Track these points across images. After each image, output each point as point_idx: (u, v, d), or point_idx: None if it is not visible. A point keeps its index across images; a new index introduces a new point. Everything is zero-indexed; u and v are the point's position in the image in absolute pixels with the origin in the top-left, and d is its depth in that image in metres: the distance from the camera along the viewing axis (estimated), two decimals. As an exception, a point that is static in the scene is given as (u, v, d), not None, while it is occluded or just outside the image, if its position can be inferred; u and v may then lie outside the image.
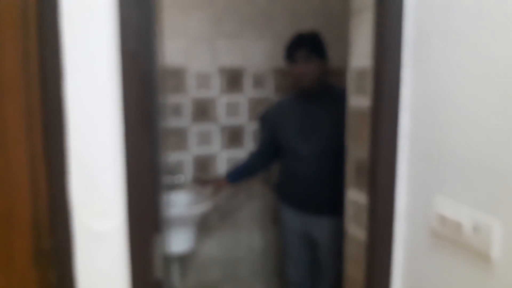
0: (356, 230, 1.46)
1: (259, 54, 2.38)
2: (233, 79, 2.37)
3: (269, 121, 2.15)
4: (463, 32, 0.98)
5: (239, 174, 2.16)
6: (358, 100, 1.40)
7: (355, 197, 1.46)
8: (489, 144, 0.92)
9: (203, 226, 2.43)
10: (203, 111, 2.34)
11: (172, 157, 2.33)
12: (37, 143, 0.94)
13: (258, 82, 2.41)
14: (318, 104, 1.99)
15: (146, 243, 1.05)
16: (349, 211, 1.51)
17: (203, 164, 2.39)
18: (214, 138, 2.39)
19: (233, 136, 2.42)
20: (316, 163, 1.97)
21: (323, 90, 1.99)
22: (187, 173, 2.37)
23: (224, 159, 2.42)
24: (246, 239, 2.55)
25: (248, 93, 2.40)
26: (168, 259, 2.20)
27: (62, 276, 1.00)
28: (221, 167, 2.42)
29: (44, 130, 0.94)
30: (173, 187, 2.21)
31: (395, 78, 1.18)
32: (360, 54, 1.38)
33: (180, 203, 2.21)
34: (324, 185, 1.95)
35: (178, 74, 2.27)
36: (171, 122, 2.30)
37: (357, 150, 1.43)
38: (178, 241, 2.05)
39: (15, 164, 0.93)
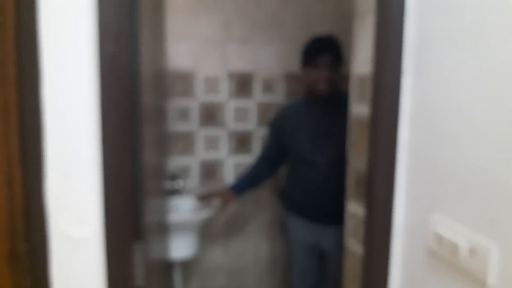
0: (354, 245, 1.39)
1: (269, 59, 2.33)
2: (242, 84, 2.33)
3: (276, 126, 2.06)
4: (466, 40, 0.90)
5: (245, 184, 2.07)
6: (359, 108, 1.34)
7: (355, 210, 1.38)
8: (490, 161, 0.84)
9: (208, 233, 2.40)
10: (211, 115, 2.31)
11: (178, 161, 2.31)
12: (13, 146, 0.92)
13: (268, 87, 2.36)
14: (330, 110, 1.92)
15: (124, 250, 1.02)
16: (349, 224, 1.43)
17: (209, 169, 2.36)
18: (221, 143, 2.35)
19: (241, 142, 2.38)
20: (328, 171, 1.90)
21: (335, 96, 1.92)
22: (194, 178, 2.34)
23: (231, 165, 2.38)
24: (253, 248, 2.50)
25: (258, 98, 2.36)
26: (171, 265, 2.18)
27: (36, 280, 0.98)
28: (228, 173, 2.38)
29: (20, 133, 0.93)
30: (178, 192, 2.19)
31: (395, 86, 1.11)
32: (362, 60, 1.32)
33: (184, 208, 2.18)
34: (336, 194, 1.86)
35: (186, 78, 2.25)
36: (179, 126, 2.28)
37: (357, 160, 1.36)
38: (181, 247, 2.02)
39: (-10, 166, 0.92)
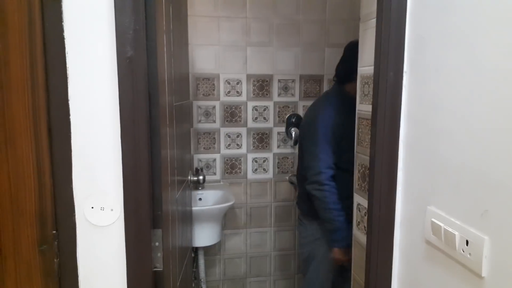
0: (360, 235, 1.36)
1: (286, 62, 2.31)
2: (261, 85, 2.32)
3: (337, 129, 1.64)
4: (460, 41, 0.86)
5: (343, 225, 1.65)
6: (364, 107, 1.30)
7: (361, 202, 1.35)
8: (483, 156, 0.80)
9: (231, 223, 2.41)
10: (232, 114, 2.32)
11: (203, 156, 2.33)
12: (43, 140, 0.95)
13: (285, 88, 2.34)
14: None
15: (143, 236, 1.03)
16: (356, 216, 1.40)
17: (231, 164, 2.36)
18: (242, 140, 2.35)
19: (260, 139, 2.37)
20: None
21: None
22: (217, 172, 2.35)
23: (251, 160, 2.38)
24: (271, 237, 2.49)
25: (275, 98, 2.34)
26: (195, 252, 2.20)
27: (64, 264, 1.00)
28: (248, 167, 2.38)
29: (49, 129, 0.95)
30: (202, 184, 2.20)
31: (397, 85, 1.08)
32: (366, 60, 1.28)
33: (208, 200, 2.20)
34: None
35: (210, 80, 2.27)
36: (203, 125, 2.30)
37: (362, 155, 1.33)
38: (205, 235, 2.04)
39: (23, 159, 0.95)
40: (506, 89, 0.73)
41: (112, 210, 1.01)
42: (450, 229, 0.88)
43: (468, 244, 0.83)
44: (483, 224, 0.79)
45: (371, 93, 1.25)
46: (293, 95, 2.35)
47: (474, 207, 0.81)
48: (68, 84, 0.94)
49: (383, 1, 1.06)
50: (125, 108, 0.97)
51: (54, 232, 0.99)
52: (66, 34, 0.93)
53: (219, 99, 2.29)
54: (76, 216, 0.99)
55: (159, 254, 1.11)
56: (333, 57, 2.34)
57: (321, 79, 2.36)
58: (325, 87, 2.37)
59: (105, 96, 0.96)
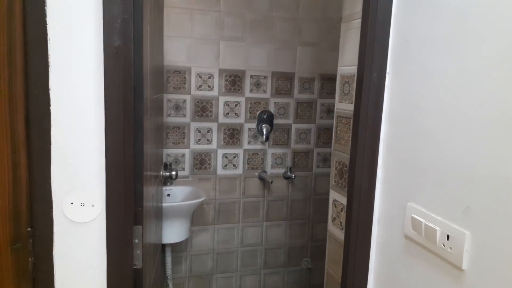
0: (336, 230, 1.40)
1: (259, 58, 2.32)
2: (233, 80, 2.31)
3: None
4: (446, 43, 0.91)
5: None
6: (343, 105, 1.34)
7: (337, 198, 1.39)
8: (466, 155, 0.85)
9: (199, 219, 2.38)
10: (203, 109, 2.29)
11: (172, 151, 2.28)
12: (19, 132, 0.89)
13: (257, 84, 2.35)
14: None
15: (125, 233, 1.00)
16: (331, 212, 1.44)
17: (200, 159, 2.34)
18: (212, 135, 2.33)
19: (231, 134, 2.36)
20: None
21: None
22: (185, 168, 2.32)
23: (221, 156, 2.37)
24: (239, 233, 2.50)
25: (247, 94, 2.34)
26: (162, 249, 2.16)
27: (39, 263, 0.95)
28: (218, 163, 2.37)
29: (26, 120, 0.89)
30: (171, 180, 2.16)
31: (380, 85, 1.11)
32: (347, 60, 1.32)
33: (177, 196, 2.16)
34: None
35: (181, 73, 2.22)
36: (173, 119, 2.25)
37: (340, 152, 1.37)
38: (173, 232, 2.00)
39: (-4, 151, 0.88)
40: (491, 92, 0.78)
41: (93, 206, 0.96)
42: (431, 225, 0.93)
43: (449, 239, 0.88)
44: (465, 219, 0.84)
45: (351, 92, 1.29)
46: (265, 91, 2.37)
47: (455, 204, 0.87)
48: (50, 73, 0.89)
49: (369, 3, 1.10)
50: (110, 100, 0.93)
51: (29, 229, 0.93)
52: (49, 19, 0.87)
53: (190, 93, 2.26)
54: (54, 213, 0.94)
55: (138, 252, 1.08)
56: (304, 56, 2.39)
57: (293, 77, 2.39)
58: (297, 85, 2.41)
59: (89, 87, 0.92)
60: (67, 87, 0.90)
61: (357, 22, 1.25)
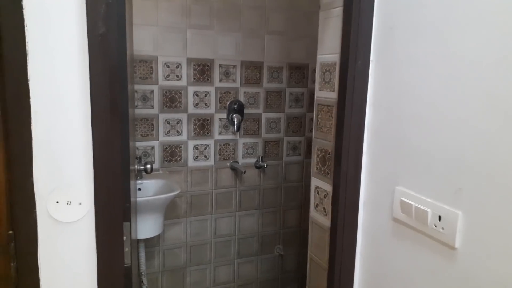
0: (319, 217, 1.42)
1: (227, 47, 2.28)
2: (202, 70, 2.25)
3: None
4: (429, 30, 0.94)
5: None
6: (324, 93, 1.35)
7: (320, 185, 1.41)
8: (452, 139, 0.88)
9: (171, 212, 2.33)
10: (172, 100, 2.22)
11: (141, 144, 2.20)
12: (-5, 127, 0.81)
13: (226, 73, 2.31)
14: None
15: (115, 231, 0.95)
16: (313, 198, 1.46)
17: (170, 151, 2.27)
18: (182, 126, 2.27)
19: (201, 125, 2.32)
20: None
21: None
22: (155, 160, 2.24)
23: (191, 147, 2.32)
24: (212, 224, 2.47)
25: (216, 83, 2.30)
26: (136, 245, 2.08)
27: (23, 268, 0.88)
28: (188, 154, 2.32)
29: (3, 114, 0.81)
30: (145, 173, 2.08)
31: (364, 72, 1.13)
32: (327, 48, 1.33)
33: (149, 190, 2.09)
34: None
35: (147, 63, 2.13)
36: (141, 110, 2.16)
37: (321, 140, 1.38)
38: (146, 227, 1.94)
39: (-30, 149, 0.80)
40: (479, 75, 0.81)
41: (80, 204, 0.91)
42: (421, 207, 0.97)
43: (441, 220, 0.92)
44: (457, 200, 0.88)
45: (332, 80, 1.30)
46: (234, 81, 2.34)
47: (446, 186, 0.90)
48: (28, 61, 0.81)
49: (353, -9, 1.10)
50: (97, 92, 0.87)
51: (10, 232, 0.86)
52: (26, 3, 0.79)
53: (157, 83, 2.18)
54: (38, 213, 0.87)
55: (127, 249, 1.03)
56: (272, 45, 2.38)
57: (261, 66, 2.38)
58: (265, 74, 2.40)
59: (73, 77, 0.85)
60: (48, 77, 0.83)
61: (337, 11, 1.26)
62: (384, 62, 1.09)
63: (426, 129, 0.96)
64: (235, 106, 2.34)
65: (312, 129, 2.59)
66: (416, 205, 0.99)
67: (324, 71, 1.35)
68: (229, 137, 2.40)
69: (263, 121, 2.46)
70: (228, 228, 2.53)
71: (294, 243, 2.74)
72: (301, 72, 2.49)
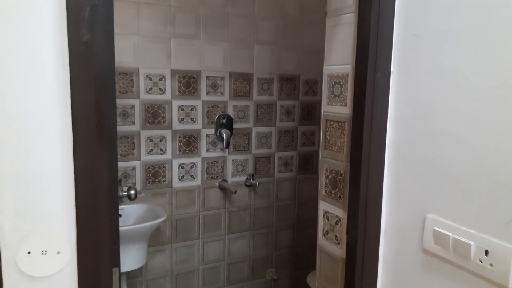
0: (330, 245, 1.29)
1: (215, 58, 2.14)
2: (187, 82, 2.10)
3: None
4: (464, 34, 0.84)
5: None
6: (333, 108, 1.23)
7: (330, 210, 1.28)
8: (497, 161, 0.78)
9: (154, 239, 2.14)
10: (154, 115, 2.06)
11: (120, 164, 2.02)
12: None
13: (214, 86, 2.17)
14: None
15: (103, 282, 0.79)
16: (322, 225, 1.33)
17: (154, 172, 2.10)
18: (166, 144, 2.11)
19: (187, 142, 2.16)
20: None
21: None
22: (138, 183, 2.06)
23: (177, 167, 2.15)
24: (199, 250, 2.30)
25: (203, 97, 2.16)
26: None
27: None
28: (174, 175, 2.15)
29: (-41, 144, 0.65)
30: (129, 200, 1.90)
31: (385, 85, 1.02)
32: (337, 59, 1.21)
33: (130, 216, 1.91)
34: None
35: (128, 75, 1.97)
36: (120, 127, 1.99)
37: (331, 160, 1.26)
38: (129, 259, 1.76)
39: None
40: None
41: (59, 253, 0.74)
42: (462, 239, 0.85)
43: (488, 254, 0.80)
44: (509, 233, 0.77)
45: (344, 94, 1.18)
46: (222, 93, 2.20)
47: (494, 215, 0.79)
48: (-8, 76, 0.65)
49: (371, -5, 1.00)
50: (80, 111, 0.71)
51: (-31, 294, 0.68)
52: (-11, 2, 0.64)
53: (138, 97, 2.01)
54: (3, 268, 0.70)
55: (116, 301, 0.86)
56: (262, 55, 2.26)
57: (251, 77, 2.26)
58: (255, 86, 2.27)
59: (49, 94, 0.69)
60: (18, 96, 0.67)
61: (348, 17, 1.15)
62: (408, 73, 0.99)
63: (463, 149, 0.85)
64: (224, 121, 2.20)
65: (305, 143, 2.49)
66: (455, 236, 0.87)
67: (333, 83, 1.23)
68: (217, 154, 2.25)
69: (254, 136, 2.32)
70: (217, 253, 2.37)
71: (287, 265, 2.60)
72: (292, 84, 2.38)
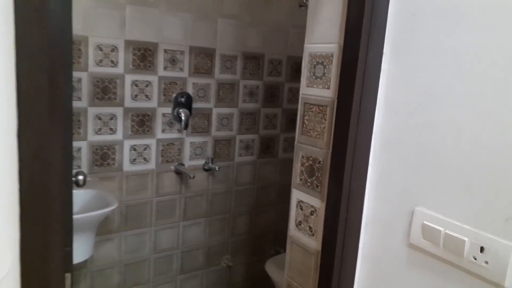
0: (303, 237, 1.23)
1: (175, 29, 1.98)
2: (143, 55, 1.92)
3: None
4: (466, 14, 0.79)
5: None
6: (315, 90, 1.15)
7: (304, 199, 1.22)
8: (500, 153, 0.74)
9: (101, 227, 1.97)
10: (105, 90, 1.86)
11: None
12: None
13: (172, 60, 2.01)
14: None
15: (53, 292, 0.66)
16: (295, 215, 1.26)
17: (102, 154, 1.92)
18: (117, 123, 1.93)
19: (141, 122, 1.99)
20: None
21: None
22: (84, 166, 1.87)
23: (128, 149, 1.98)
24: (151, 238, 2.17)
25: (160, 72, 1.99)
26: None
27: None
28: (125, 157, 1.98)
29: None
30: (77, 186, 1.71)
31: (377, 68, 0.95)
32: (321, 36, 1.13)
33: (76, 204, 1.72)
34: None
35: (75, 44, 1.75)
36: (63, 103, 1.77)
37: (309, 146, 1.19)
38: (75, 251, 1.58)
39: None
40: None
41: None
42: (455, 234, 0.82)
43: (484, 251, 0.77)
44: (509, 230, 0.74)
45: (327, 75, 1.11)
46: (181, 69, 2.04)
47: (493, 211, 0.76)
48: None
49: (367, -34, 0.91)
50: (28, 81, 0.56)
51: None
52: None
53: (87, 70, 1.81)
54: None
55: (68, 310, 0.74)
56: (226, 30, 2.13)
57: (213, 53, 2.12)
58: (218, 63, 2.14)
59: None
60: None
61: (335, -10, 1.06)
62: (403, 55, 0.92)
63: (464, 140, 0.81)
64: (182, 100, 2.05)
65: (268, 126, 2.41)
66: (447, 231, 0.84)
67: (315, 63, 1.15)
68: (174, 135, 2.10)
69: (214, 117, 2.20)
70: (171, 241, 2.25)
71: (243, 251, 2.54)
72: (257, 63, 2.28)
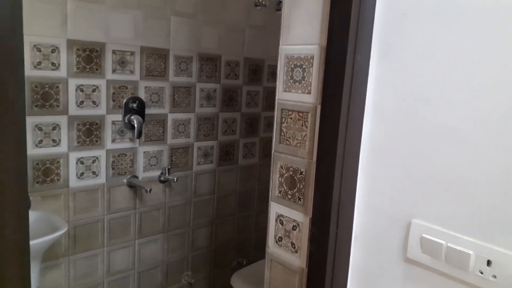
0: (284, 254, 1.16)
1: (124, 28, 1.82)
2: (88, 56, 1.75)
3: None
4: (461, 15, 0.76)
5: None
6: (294, 95, 1.09)
7: (285, 213, 1.15)
8: (497, 155, 0.72)
9: (46, 252, 1.77)
10: (45, 96, 1.67)
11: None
12: None
13: (121, 62, 1.85)
14: None
15: None
16: (274, 230, 1.19)
17: (44, 169, 1.72)
18: (60, 133, 1.74)
19: (87, 131, 1.81)
20: None
21: None
22: (22, 183, 1.66)
23: (74, 162, 1.80)
24: (104, 260, 1.99)
25: (108, 75, 1.82)
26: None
27: None
28: (70, 172, 1.79)
29: None
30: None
31: (364, 71, 0.91)
32: (300, 37, 1.06)
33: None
34: None
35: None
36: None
37: (288, 156, 1.12)
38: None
39: None
40: None
41: None
42: (459, 247, 0.79)
43: (491, 265, 0.75)
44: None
45: (307, 79, 1.04)
46: (132, 72, 1.89)
47: (500, 222, 0.74)
48: None
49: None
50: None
51: None
52: None
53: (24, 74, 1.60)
54: None
55: None
56: (180, 29, 2.00)
57: (167, 54, 1.99)
58: (172, 65, 2.01)
59: None
60: None
61: (314, -13, 1.00)
62: (392, 57, 0.88)
63: (460, 146, 0.78)
64: (134, 105, 1.90)
65: (227, 131, 2.31)
66: (449, 244, 0.80)
67: (292, 66, 1.08)
68: (126, 145, 1.94)
69: (169, 123, 2.07)
70: (126, 262, 2.08)
71: (205, 266, 2.43)
72: (213, 65, 2.17)
